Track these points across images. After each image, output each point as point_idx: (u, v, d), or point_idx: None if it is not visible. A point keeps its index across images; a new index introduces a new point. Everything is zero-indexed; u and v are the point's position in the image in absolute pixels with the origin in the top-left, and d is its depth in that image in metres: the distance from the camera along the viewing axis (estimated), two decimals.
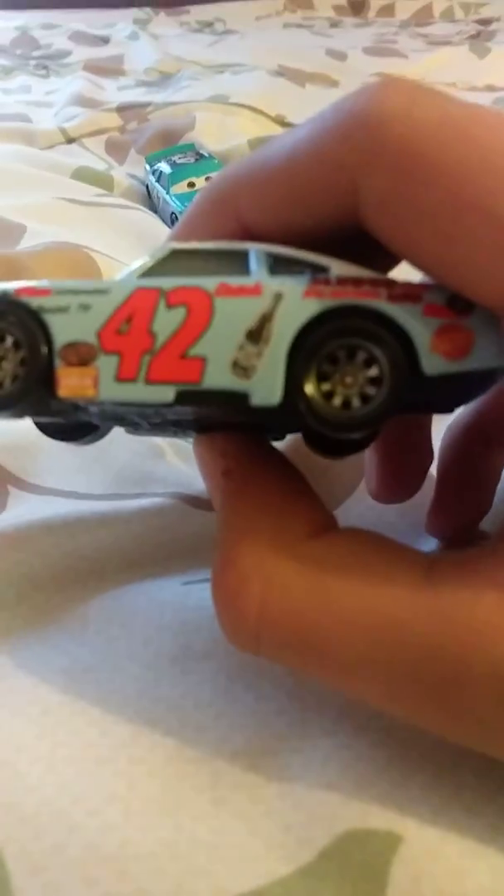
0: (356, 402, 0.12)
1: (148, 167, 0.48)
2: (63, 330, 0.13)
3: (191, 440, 0.16)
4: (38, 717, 0.15)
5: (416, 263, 0.12)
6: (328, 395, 0.12)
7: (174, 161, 0.47)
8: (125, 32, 0.98)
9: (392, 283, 0.12)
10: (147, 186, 0.49)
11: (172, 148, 0.51)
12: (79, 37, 0.97)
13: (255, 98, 0.61)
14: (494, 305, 0.11)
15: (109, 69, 0.80)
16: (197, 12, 1.16)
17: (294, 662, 0.12)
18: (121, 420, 0.15)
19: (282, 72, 0.73)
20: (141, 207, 0.44)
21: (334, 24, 1.07)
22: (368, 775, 0.14)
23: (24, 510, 0.21)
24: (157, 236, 0.40)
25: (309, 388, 0.12)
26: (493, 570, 0.11)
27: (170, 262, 0.13)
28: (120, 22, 1.05)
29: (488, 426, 0.18)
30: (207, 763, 0.14)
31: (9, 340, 0.13)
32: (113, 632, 0.17)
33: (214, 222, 0.14)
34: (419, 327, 0.12)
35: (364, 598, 0.12)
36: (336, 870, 0.13)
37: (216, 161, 0.48)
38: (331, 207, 0.12)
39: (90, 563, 0.19)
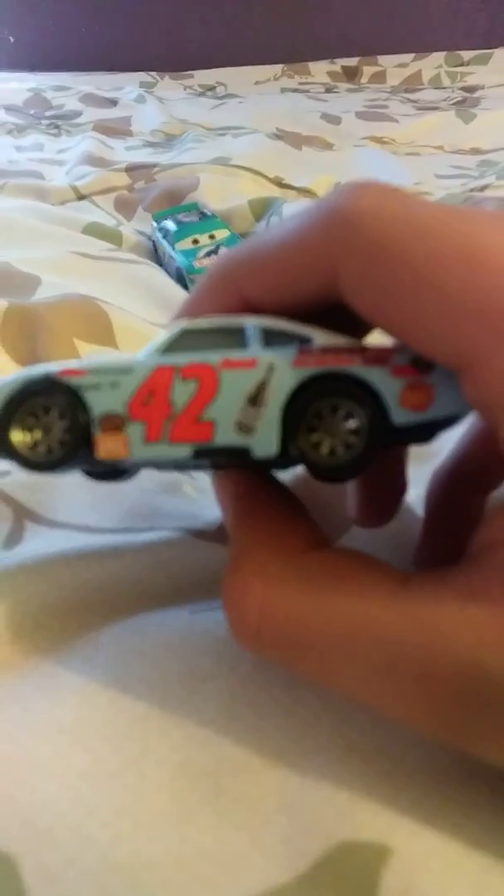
0: (340, 450, 0.14)
1: (155, 224, 0.51)
2: (98, 403, 0.15)
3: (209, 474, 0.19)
4: (53, 737, 0.16)
5: (386, 330, 0.14)
6: (317, 445, 0.14)
7: (179, 219, 0.49)
8: (132, 95, 1.02)
9: (365, 349, 0.15)
10: (154, 242, 0.51)
11: (177, 207, 0.54)
12: (89, 98, 1.01)
13: (254, 160, 0.64)
14: (447, 364, 0.13)
15: (118, 130, 0.83)
16: (200, 77, 1.21)
17: (287, 657, 0.14)
18: (151, 465, 0.18)
19: (280, 135, 0.77)
20: (148, 262, 0.46)
21: (329, 90, 1.12)
22: (361, 790, 0.15)
23: (40, 543, 0.22)
24: (163, 289, 0.42)
25: (300, 441, 0.14)
26: (457, 582, 0.13)
27: (181, 340, 0.16)
28: (127, 85, 1.10)
29: (469, 470, 0.19)
30: (211, 777, 0.15)
31: (54, 414, 0.15)
32: (123, 655, 0.18)
33: (221, 296, 0.16)
34: (388, 386, 0.14)
35: (347, 602, 0.14)
36: (330, 879, 0.14)
37: (218, 220, 0.50)
38: (315, 286, 0.15)
39: (103, 594, 0.20)
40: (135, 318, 0.37)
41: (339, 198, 0.14)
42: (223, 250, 0.46)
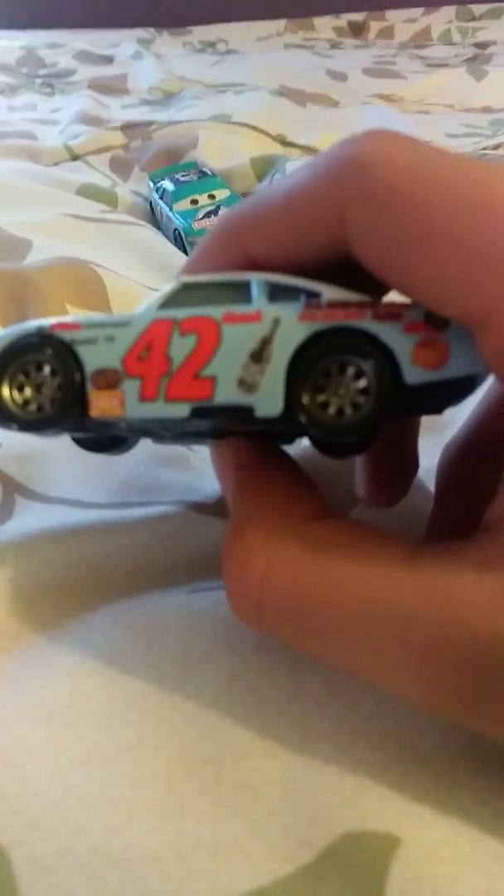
0: (348, 411, 0.14)
1: (151, 184, 0.49)
2: (93, 359, 0.14)
3: (209, 445, 0.18)
4: (45, 720, 0.16)
5: (396, 285, 0.13)
6: (324, 405, 0.14)
7: (177, 179, 0.48)
8: (129, 52, 1.00)
9: (376, 305, 0.14)
10: (150, 203, 0.49)
11: (175, 166, 0.52)
12: (83, 56, 0.98)
13: (256, 117, 0.62)
14: (462, 320, 0.13)
15: (113, 88, 0.81)
16: (199, 33, 1.18)
17: (291, 631, 0.14)
18: (147, 433, 0.17)
19: (283, 92, 0.75)
20: (144, 224, 0.45)
21: (334, 46, 1.09)
22: (367, 778, 0.14)
23: (31, 519, 0.21)
24: (161, 252, 0.41)
25: (306, 400, 0.14)
26: (472, 553, 0.12)
27: (182, 294, 0.15)
28: (124, 42, 1.07)
29: (483, 442, 0.19)
30: (210, 765, 0.15)
31: (46, 370, 0.15)
32: (117, 634, 0.17)
33: (224, 254, 0.16)
34: (400, 342, 0.13)
35: (354, 571, 0.13)
36: (336, 870, 0.13)
37: (218, 179, 0.48)
38: (323, 239, 0.14)
39: (96, 571, 0.19)
40: (130, 282, 0.35)
41: (348, 145, 0.14)
42: (224, 211, 0.45)
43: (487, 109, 0.73)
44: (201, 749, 0.15)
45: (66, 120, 0.66)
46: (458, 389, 0.14)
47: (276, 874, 0.13)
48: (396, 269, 0.13)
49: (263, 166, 0.53)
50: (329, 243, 0.14)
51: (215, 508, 0.21)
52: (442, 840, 0.13)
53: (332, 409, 0.14)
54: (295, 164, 0.51)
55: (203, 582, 0.19)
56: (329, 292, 0.14)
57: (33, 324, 0.15)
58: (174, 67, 0.92)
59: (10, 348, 0.15)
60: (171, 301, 0.15)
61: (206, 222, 0.44)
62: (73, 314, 0.15)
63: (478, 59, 0.91)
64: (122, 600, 0.19)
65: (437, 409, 0.15)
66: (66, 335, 0.15)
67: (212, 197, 0.46)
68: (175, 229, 0.44)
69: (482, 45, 1.01)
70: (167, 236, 0.45)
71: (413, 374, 0.13)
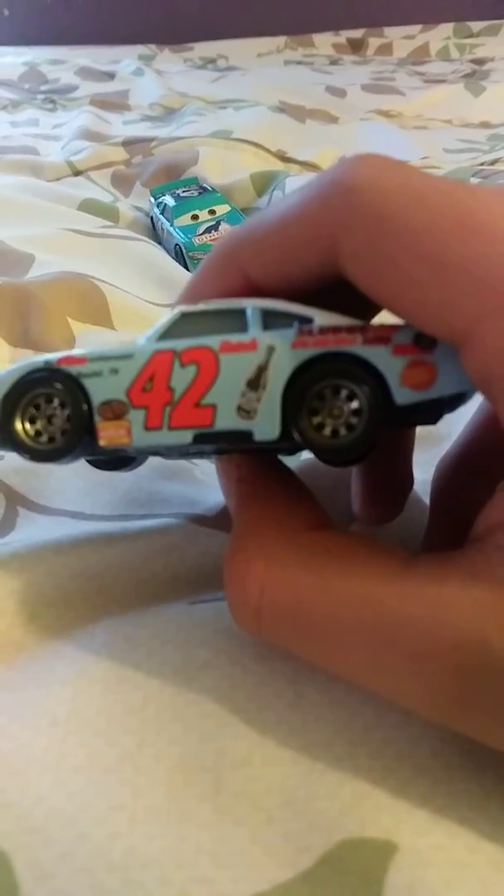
0: (343, 431, 0.14)
1: (153, 200, 0.50)
2: (99, 391, 0.15)
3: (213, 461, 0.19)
4: (46, 728, 0.16)
5: (385, 305, 0.14)
6: (319, 427, 0.14)
7: (178, 194, 0.48)
8: (130, 68, 1.01)
9: (366, 328, 0.14)
10: (151, 218, 0.50)
11: (176, 182, 0.53)
12: (85, 72, 0.99)
13: (256, 133, 0.63)
14: (447, 338, 0.13)
15: (115, 104, 0.82)
16: (200, 49, 1.19)
17: (289, 638, 0.14)
18: (154, 453, 0.17)
19: (283, 108, 0.76)
20: (146, 239, 0.45)
21: (334, 62, 1.10)
22: (366, 786, 0.14)
23: (33, 531, 0.21)
24: (162, 267, 0.41)
25: (302, 423, 0.14)
26: (461, 563, 0.13)
27: (180, 324, 0.15)
28: (125, 58, 1.08)
29: (476, 457, 0.19)
30: (210, 772, 0.15)
31: (56, 402, 0.15)
32: (118, 644, 0.18)
33: (224, 275, 0.16)
34: (390, 365, 0.14)
35: (349, 579, 0.13)
36: (334, 876, 0.13)
37: (219, 194, 0.49)
38: (317, 259, 0.14)
39: (98, 583, 0.20)
40: (131, 297, 0.36)
41: (339, 170, 0.14)
42: (224, 226, 0.45)
43: (485, 125, 0.74)
44: (201, 757, 0.15)
45: (67, 135, 0.66)
46: (448, 406, 0.14)
47: (276, 880, 0.13)
48: (385, 289, 0.13)
49: (263, 182, 0.53)
50: (323, 264, 0.14)
51: (216, 521, 0.21)
52: (438, 846, 0.13)
53: (327, 430, 0.14)
54: (295, 180, 0.52)
55: (204, 594, 0.19)
56: (321, 318, 0.15)
57: (41, 359, 0.16)
58: (175, 84, 0.93)
59: (19, 382, 0.15)
60: (170, 331, 0.15)
61: (207, 237, 0.44)
62: (79, 348, 0.16)
63: (476, 75, 0.92)
64: (123, 610, 0.19)
65: (431, 420, 0.15)
66: (73, 369, 0.15)
67: (212, 212, 0.46)
68: (176, 244, 0.45)
69: (480, 62, 1.02)
70: (168, 251, 0.46)
71: (402, 395, 0.14)
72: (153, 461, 0.25)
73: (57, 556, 0.20)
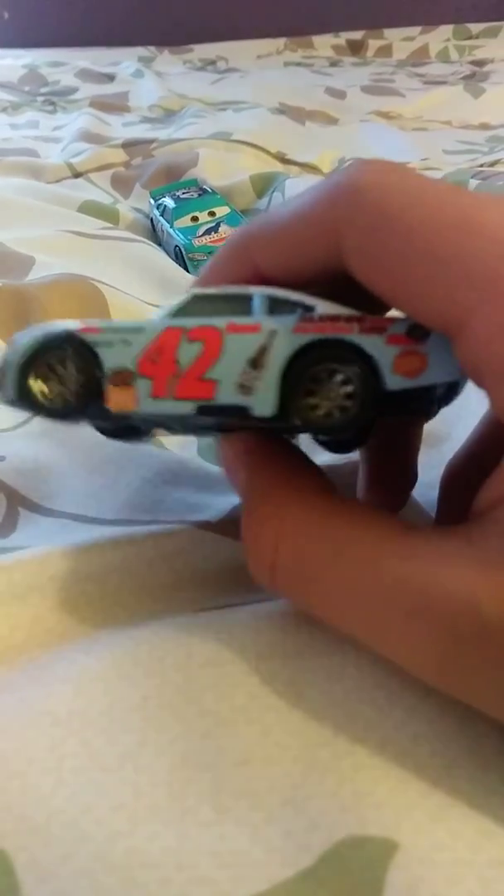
0: (336, 413, 0.15)
1: (152, 201, 0.50)
2: (110, 359, 0.16)
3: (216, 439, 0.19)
4: (48, 729, 0.16)
5: (385, 297, 0.15)
6: (314, 407, 0.15)
7: (178, 196, 0.49)
8: (130, 70, 1.01)
9: (363, 319, 0.15)
10: (151, 220, 0.50)
11: (176, 183, 0.53)
12: (85, 74, 1.00)
13: (256, 135, 0.63)
14: (442, 329, 0.14)
15: (115, 106, 0.82)
16: (200, 51, 1.19)
17: (298, 591, 0.15)
18: (160, 425, 0.19)
19: (282, 109, 0.76)
20: (145, 240, 0.45)
21: (333, 63, 1.10)
22: (366, 785, 0.14)
23: (34, 532, 0.21)
24: (161, 268, 0.41)
25: (298, 403, 0.15)
26: (458, 534, 0.14)
27: (192, 305, 0.17)
28: (125, 60, 1.08)
29: (480, 456, 0.19)
30: (211, 771, 0.15)
31: (70, 366, 0.17)
32: (119, 643, 0.18)
33: (235, 265, 0.17)
34: (383, 353, 0.15)
35: (355, 540, 0.15)
36: (335, 875, 0.13)
37: (218, 196, 0.49)
38: (322, 254, 0.16)
39: (101, 588, 0.20)
40: (131, 298, 0.36)
41: (346, 173, 0.15)
42: (224, 228, 0.45)
43: (485, 126, 0.74)
44: (202, 756, 0.15)
45: (67, 137, 0.67)
46: (440, 396, 0.16)
47: (276, 879, 0.13)
48: (384, 282, 0.14)
49: (263, 184, 0.53)
50: (327, 258, 0.15)
51: (220, 527, 0.21)
52: (439, 845, 0.13)
53: (321, 411, 0.15)
54: (294, 182, 0.52)
55: (209, 600, 0.20)
56: (322, 307, 0.16)
57: (61, 325, 0.17)
58: (175, 85, 0.93)
59: (41, 345, 0.17)
60: (182, 310, 0.16)
61: (207, 239, 0.44)
62: (97, 319, 0.17)
63: (475, 77, 0.92)
64: (125, 614, 0.19)
65: (425, 411, 0.16)
66: (89, 337, 0.16)
67: (212, 214, 0.47)
68: (176, 246, 0.45)
69: (479, 63, 1.02)
70: (168, 253, 0.46)
71: (393, 381, 0.15)
72: (155, 466, 0.25)
73: (63, 561, 0.20)
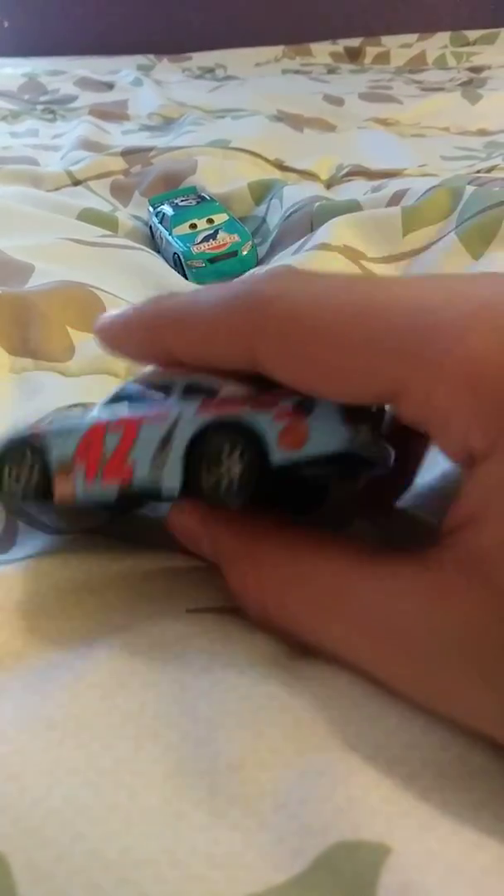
0: (234, 485, 0.17)
1: (151, 209, 0.50)
2: (56, 454, 0.19)
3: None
4: (43, 732, 0.16)
5: (304, 391, 0.16)
6: (216, 481, 0.17)
7: (176, 204, 0.49)
8: (129, 78, 1.01)
9: (258, 398, 0.17)
10: (150, 228, 0.50)
11: (175, 191, 0.53)
12: (84, 82, 1.00)
13: (254, 143, 0.63)
14: (378, 400, 0.16)
15: (114, 114, 0.82)
16: (198, 59, 1.20)
17: (290, 621, 0.17)
18: (105, 507, 0.22)
19: (280, 117, 0.76)
20: (145, 248, 0.45)
21: (331, 71, 1.11)
22: (359, 790, 0.14)
23: (35, 546, 0.21)
24: (160, 276, 0.41)
25: (200, 476, 0.17)
26: (415, 557, 0.15)
27: (121, 395, 0.20)
28: (124, 68, 1.09)
29: None
30: (205, 777, 0.15)
31: (26, 463, 0.20)
32: (116, 650, 0.18)
33: (147, 348, 0.19)
34: (270, 429, 0.17)
35: (322, 566, 0.16)
36: (328, 880, 0.13)
37: (216, 204, 0.49)
38: (237, 359, 0.17)
39: (100, 597, 0.20)
40: (130, 306, 0.36)
41: (257, 283, 0.17)
42: (221, 235, 0.46)
43: (482, 132, 0.74)
44: (197, 761, 0.15)
45: (67, 146, 0.67)
46: (337, 464, 0.17)
47: (269, 882, 0.13)
48: (302, 380, 0.16)
49: (261, 191, 0.54)
50: (243, 362, 0.17)
51: None
52: (432, 851, 0.13)
53: (223, 482, 0.17)
54: (292, 189, 0.52)
55: (205, 601, 0.20)
56: (227, 390, 0.18)
57: (20, 432, 0.20)
58: (174, 93, 0.94)
59: (2, 451, 0.20)
60: (116, 399, 0.19)
61: (205, 246, 0.45)
62: (46, 420, 0.21)
63: (472, 83, 0.93)
64: (122, 622, 0.19)
65: (348, 475, 0.19)
66: (38, 442, 0.20)
67: (210, 221, 0.47)
68: (174, 253, 0.45)
69: (477, 70, 1.03)
70: (167, 260, 0.46)
71: (277, 454, 0.16)
72: None
73: (60, 570, 0.20)
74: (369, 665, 0.16)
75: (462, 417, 0.14)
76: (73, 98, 0.93)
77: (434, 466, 0.22)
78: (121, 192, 0.57)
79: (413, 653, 0.14)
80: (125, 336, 0.19)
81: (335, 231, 0.40)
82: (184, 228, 0.46)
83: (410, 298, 0.15)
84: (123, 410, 0.19)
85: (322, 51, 1.21)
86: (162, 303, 0.19)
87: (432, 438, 0.15)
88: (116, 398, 0.19)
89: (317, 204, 0.46)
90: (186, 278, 0.43)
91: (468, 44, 1.18)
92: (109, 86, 0.99)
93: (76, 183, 0.58)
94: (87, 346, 0.33)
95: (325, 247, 0.39)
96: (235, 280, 0.18)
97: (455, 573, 0.14)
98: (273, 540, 0.17)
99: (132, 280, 0.40)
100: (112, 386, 0.31)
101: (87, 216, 0.49)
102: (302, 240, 0.43)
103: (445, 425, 0.15)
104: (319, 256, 0.39)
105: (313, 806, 0.14)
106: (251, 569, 0.17)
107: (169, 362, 0.19)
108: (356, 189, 0.52)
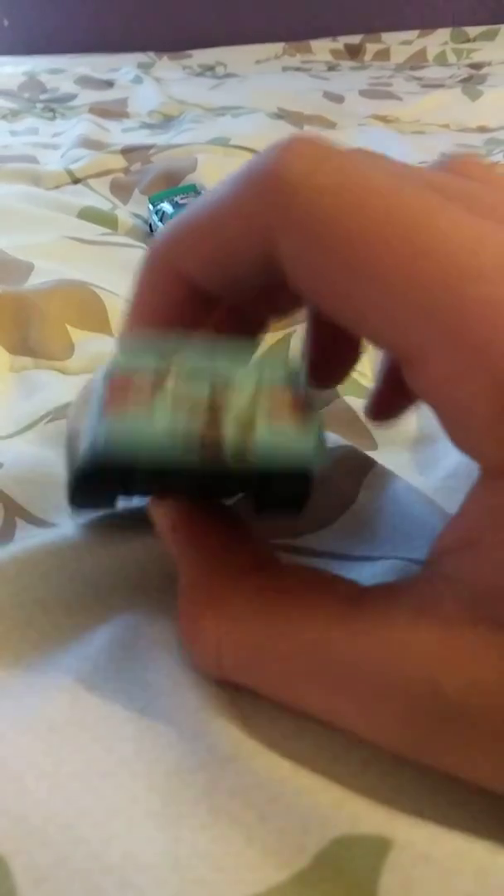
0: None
1: (151, 207, 0.50)
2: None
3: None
4: (44, 734, 0.16)
5: (329, 315, 0.13)
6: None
7: (176, 201, 0.49)
8: (129, 76, 1.01)
9: None
10: (150, 225, 0.50)
11: (175, 189, 0.53)
12: (84, 81, 1.00)
13: (254, 140, 0.63)
14: (393, 355, 0.13)
15: (114, 112, 0.82)
16: (198, 56, 1.19)
17: (251, 681, 0.15)
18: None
19: (281, 114, 0.76)
20: (145, 246, 0.45)
21: (332, 68, 1.10)
22: (356, 781, 0.14)
23: (34, 539, 0.21)
24: None
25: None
26: (410, 597, 0.13)
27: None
28: (124, 66, 1.09)
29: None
30: (203, 772, 0.15)
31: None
32: (115, 652, 0.18)
33: (165, 290, 0.15)
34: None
35: (299, 622, 0.13)
36: (329, 875, 0.13)
37: None
38: (256, 254, 0.14)
39: (95, 590, 0.20)
40: None
41: (271, 159, 0.13)
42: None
43: (482, 129, 0.74)
44: (194, 756, 0.15)
45: (67, 144, 0.67)
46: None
47: (272, 881, 0.13)
48: (325, 300, 0.13)
49: None
50: (264, 260, 0.14)
51: None
52: (433, 842, 0.13)
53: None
54: None
55: None
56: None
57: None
58: (174, 91, 0.93)
59: None
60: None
61: None
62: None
63: (472, 80, 0.92)
64: (121, 617, 0.19)
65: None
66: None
67: None
68: None
69: (477, 66, 1.02)
70: None
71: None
72: None
73: (55, 560, 0.20)
74: (354, 727, 0.13)
75: (481, 420, 0.12)
76: (73, 96, 0.93)
77: (426, 468, 0.21)
78: (121, 190, 0.56)
79: (416, 714, 0.12)
80: (142, 298, 0.16)
81: None
82: None
83: (467, 253, 0.12)
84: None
85: (322, 48, 1.21)
86: (167, 226, 0.15)
87: (436, 416, 0.13)
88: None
89: None
90: None
91: (468, 40, 1.18)
92: (109, 84, 0.99)
93: (76, 181, 0.57)
94: (86, 344, 0.33)
95: None
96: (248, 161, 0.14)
97: (456, 614, 0.12)
98: (243, 582, 0.15)
99: (132, 278, 0.40)
100: None
101: (87, 214, 0.49)
102: None
103: (458, 419, 0.12)
104: None
105: (310, 797, 0.14)
106: (209, 610, 0.15)
107: (193, 300, 0.15)
108: None
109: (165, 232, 0.15)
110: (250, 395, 0.13)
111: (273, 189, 0.13)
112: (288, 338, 0.34)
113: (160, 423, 0.13)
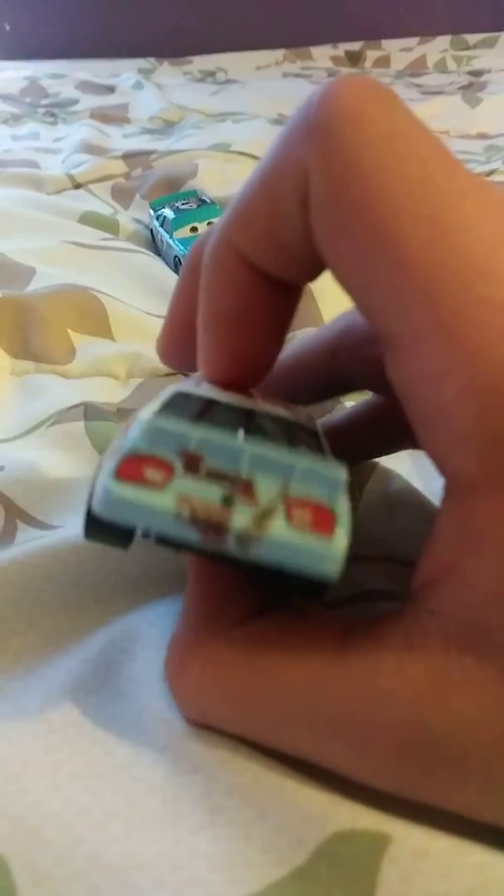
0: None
1: (152, 212, 0.50)
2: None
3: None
4: (43, 736, 0.16)
5: (332, 270, 0.13)
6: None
7: (177, 207, 0.49)
8: (130, 82, 1.01)
9: None
10: (151, 231, 0.50)
11: (176, 194, 0.53)
12: (85, 86, 1.00)
13: (255, 146, 0.63)
14: (381, 334, 0.12)
15: (115, 117, 0.82)
16: (199, 62, 1.20)
17: (234, 728, 0.15)
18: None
19: (281, 120, 0.76)
20: (145, 251, 0.46)
21: (332, 74, 1.11)
22: (356, 781, 0.14)
23: (35, 541, 0.21)
24: (161, 278, 0.41)
25: None
26: (396, 634, 0.13)
27: (174, 402, 0.14)
28: (125, 72, 1.09)
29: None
30: (200, 772, 0.15)
31: None
32: (114, 656, 0.18)
33: (227, 280, 0.14)
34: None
35: (285, 671, 0.13)
36: (328, 871, 0.13)
37: (217, 207, 0.49)
38: (296, 200, 0.13)
39: (96, 592, 0.20)
40: (132, 309, 0.36)
41: (329, 94, 0.12)
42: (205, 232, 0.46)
43: (482, 136, 0.74)
44: (192, 757, 0.15)
45: (68, 149, 0.67)
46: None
47: (270, 878, 0.13)
48: (337, 258, 0.12)
49: None
50: (302, 212, 0.13)
51: None
52: (433, 833, 0.13)
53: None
54: None
55: None
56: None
57: None
58: (174, 97, 0.94)
59: None
60: (165, 408, 0.14)
61: None
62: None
63: (472, 87, 0.93)
64: (120, 620, 0.19)
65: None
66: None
67: (211, 224, 0.47)
68: (175, 256, 0.45)
69: (477, 73, 1.03)
70: (168, 263, 0.46)
71: None
72: None
73: (55, 562, 0.20)
74: (346, 771, 0.13)
75: (459, 425, 0.11)
76: (74, 101, 0.93)
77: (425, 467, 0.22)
78: (121, 196, 0.57)
79: (408, 759, 0.12)
80: (211, 290, 0.15)
81: None
82: (185, 231, 0.46)
83: (487, 249, 0.11)
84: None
85: (323, 54, 1.21)
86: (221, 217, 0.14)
87: (407, 415, 0.12)
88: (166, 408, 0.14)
89: None
90: None
91: (468, 47, 1.18)
92: (110, 89, 0.99)
93: (77, 186, 0.58)
94: (87, 348, 0.33)
95: None
96: None
97: (443, 650, 0.12)
98: (234, 632, 0.14)
99: (133, 283, 0.40)
100: (112, 387, 0.31)
101: (88, 219, 0.49)
102: None
103: (432, 420, 0.12)
104: None
105: (309, 792, 0.14)
106: (197, 653, 0.15)
107: (256, 283, 0.14)
108: None
109: (218, 222, 0.15)
110: (279, 489, 0.12)
111: (317, 128, 0.12)
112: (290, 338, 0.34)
113: (166, 499, 0.12)
